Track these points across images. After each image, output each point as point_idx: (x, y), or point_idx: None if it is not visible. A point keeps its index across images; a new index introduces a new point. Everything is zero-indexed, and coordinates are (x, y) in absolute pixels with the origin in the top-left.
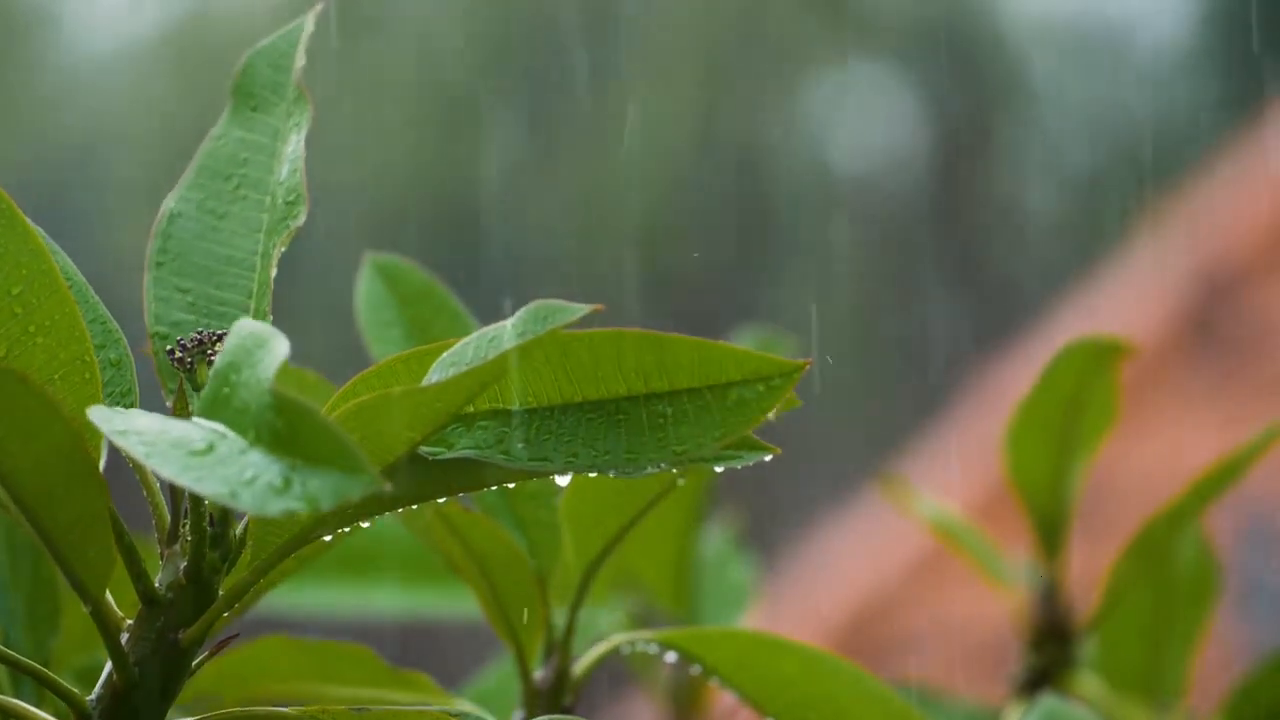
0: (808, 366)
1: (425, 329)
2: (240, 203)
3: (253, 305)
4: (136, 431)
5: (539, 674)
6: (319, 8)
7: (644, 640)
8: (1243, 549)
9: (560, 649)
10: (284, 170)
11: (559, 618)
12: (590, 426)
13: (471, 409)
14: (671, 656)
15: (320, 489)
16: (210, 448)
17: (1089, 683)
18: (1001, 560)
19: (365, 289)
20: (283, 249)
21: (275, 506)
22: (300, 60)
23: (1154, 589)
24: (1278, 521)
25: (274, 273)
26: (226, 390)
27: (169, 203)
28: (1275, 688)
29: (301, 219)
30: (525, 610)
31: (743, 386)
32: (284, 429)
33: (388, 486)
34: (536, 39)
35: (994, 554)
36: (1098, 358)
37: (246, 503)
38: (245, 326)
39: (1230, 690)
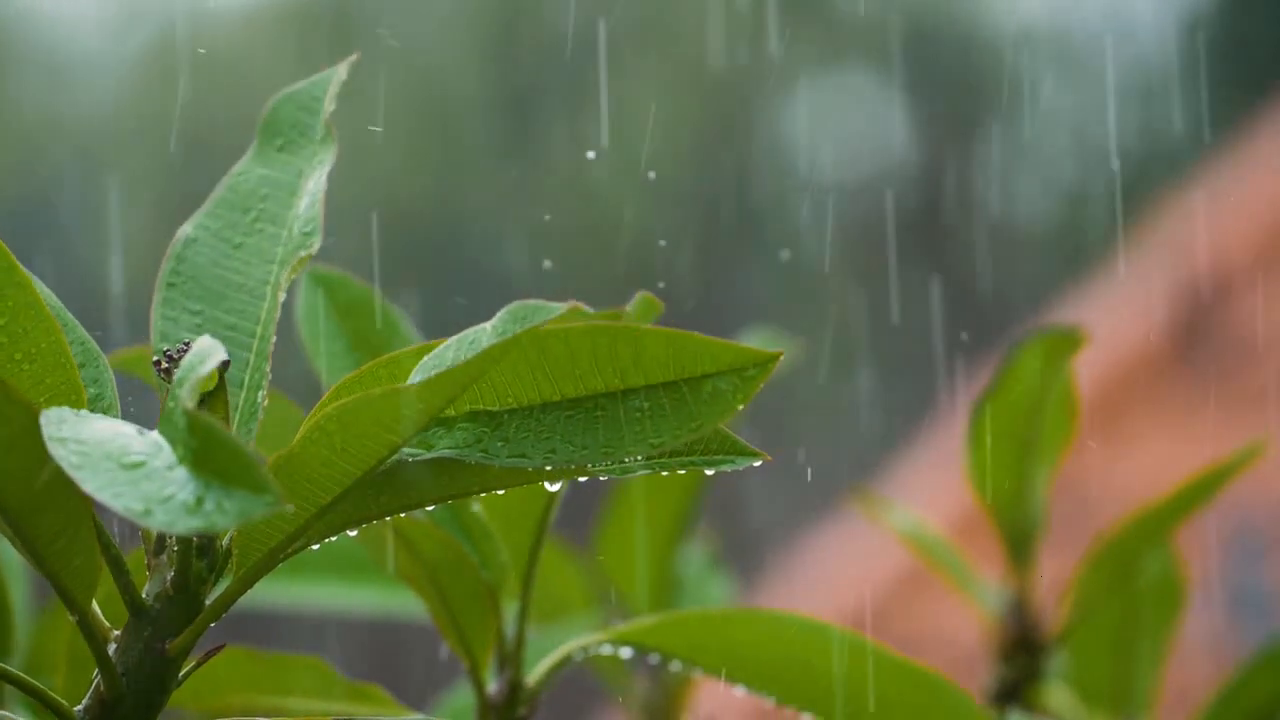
0: (781, 357)
1: (364, 339)
2: (256, 235)
3: (259, 332)
4: (78, 440)
5: (492, 687)
6: (354, 57)
7: (596, 643)
8: (1229, 555)
9: (512, 661)
10: (303, 204)
11: (511, 629)
12: (569, 423)
13: (452, 411)
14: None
15: (229, 508)
16: (143, 462)
17: (1059, 694)
18: (973, 573)
19: (303, 300)
20: (293, 276)
21: (184, 525)
22: (330, 105)
23: (1122, 600)
24: (1264, 527)
25: (283, 298)
26: (172, 404)
27: (185, 229)
28: (1256, 690)
29: (315, 248)
30: (478, 621)
31: (717, 378)
32: (198, 447)
33: (289, 507)
34: (523, 54)
35: (966, 567)
36: (1055, 352)
37: (159, 520)
38: (202, 342)
39: (1212, 694)
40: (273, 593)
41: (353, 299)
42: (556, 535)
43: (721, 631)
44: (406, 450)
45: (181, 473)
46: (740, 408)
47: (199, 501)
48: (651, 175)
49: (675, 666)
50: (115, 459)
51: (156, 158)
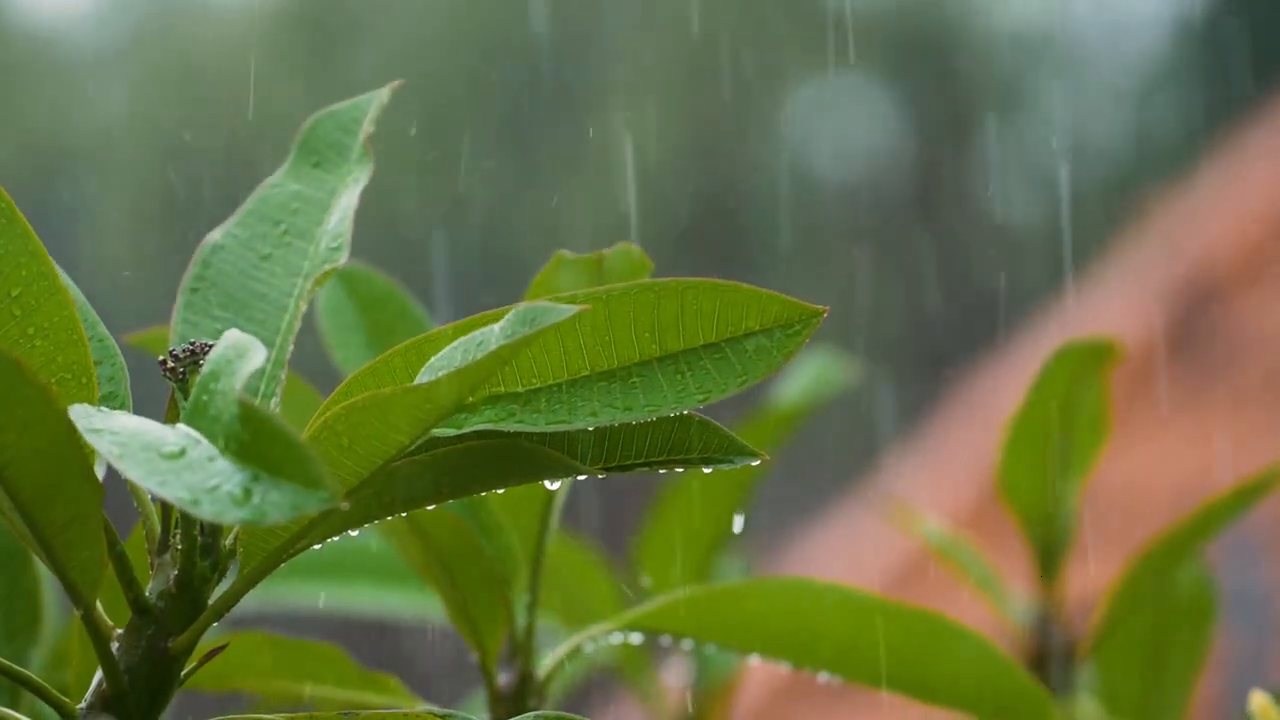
0: (825, 313)
1: (386, 334)
2: (285, 248)
3: (279, 341)
4: (112, 431)
5: (502, 678)
6: (398, 82)
7: (605, 632)
8: (1224, 559)
9: (522, 652)
10: (334, 219)
11: (521, 621)
12: (605, 393)
13: (470, 397)
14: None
15: (278, 502)
16: (182, 452)
17: (1087, 707)
18: (1001, 583)
19: (326, 294)
20: (318, 289)
21: (232, 516)
22: (370, 127)
23: (1153, 613)
24: (1259, 531)
25: (304, 309)
26: (205, 398)
27: (213, 236)
28: None
29: (342, 262)
30: (488, 611)
31: (760, 335)
32: (248, 439)
33: (344, 505)
34: (520, 49)
35: (994, 576)
36: (1087, 362)
37: (206, 510)
38: (231, 336)
39: None
40: (287, 594)
41: (375, 294)
42: (593, 547)
43: (730, 606)
44: (437, 430)
45: (224, 464)
46: (785, 362)
47: (246, 493)
48: (637, 181)
49: (686, 644)
50: (154, 449)
51: (150, 159)
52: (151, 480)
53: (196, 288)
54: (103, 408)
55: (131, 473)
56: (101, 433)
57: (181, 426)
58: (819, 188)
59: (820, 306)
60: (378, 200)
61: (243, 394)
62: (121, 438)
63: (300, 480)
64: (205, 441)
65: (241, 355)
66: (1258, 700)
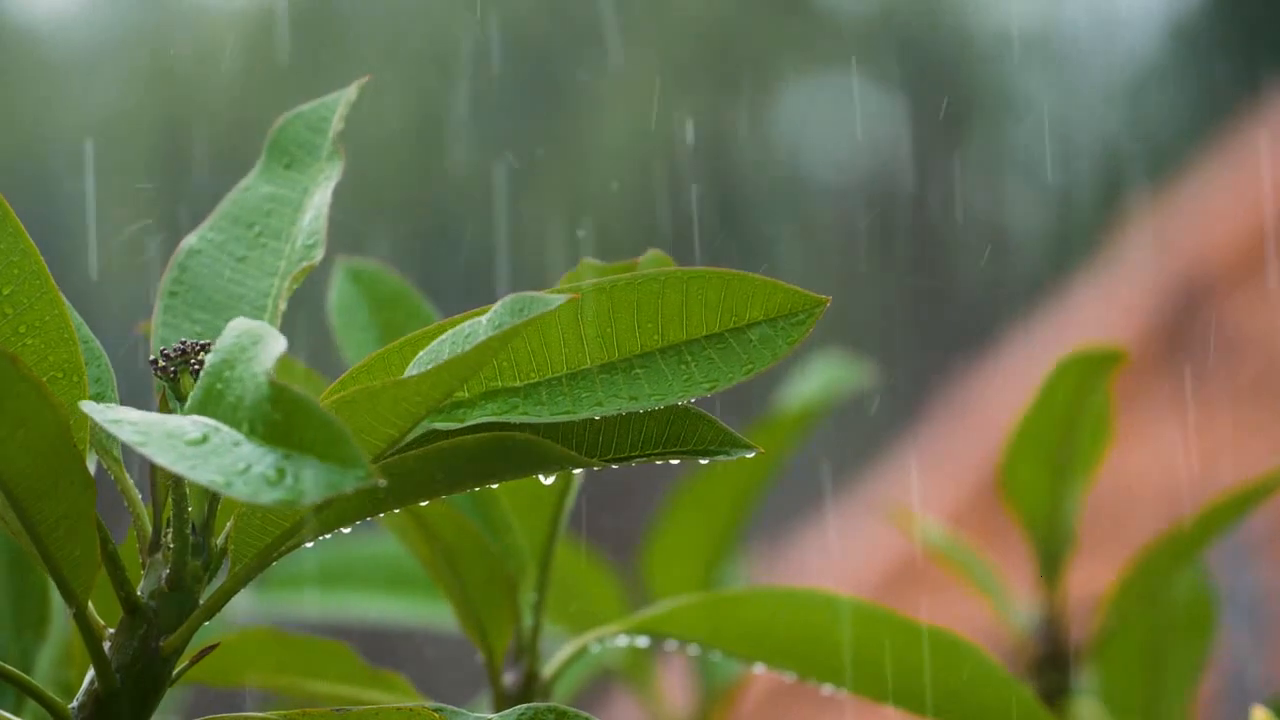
0: (828, 303)
1: (398, 332)
2: (260, 249)
3: None
4: (130, 422)
5: (508, 677)
6: (364, 78)
7: (612, 634)
8: (1219, 559)
9: (529, 651)
10: (307, 218)
11: (528, 621)
12: (608, 384)
13: (466, 393)
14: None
15: (313, 480)
16: (204, 439)
17: (1089, 709)
18: (1002, 585)
19: (338, 292)
20: (295, 286)
21: (268, 496)
22: (339, 125)
23: (1153, 616)
24: (1253, 528)
25: (284, 308)
26: (219, 386)
27: (189, 240)
28: None
29: (317, 260)
30: (495, 611)
31: (764, 325)
32: (280, 420)
33: (381, 481)
34: (512, 47)
35: (994, 578)
36: (1094, 369)
37: (240, 491)
38: (240, 324)
39: None
40: (310, 605)
41: (388, 292)
42: (600, 554)
43: (735, 612)
44: (440, 423)
45: (250, 448)
46: (789, 350)
47: (280, 473)
48: (615, 185)
49: (692, 650)
50: (177, 437)
51: (144, 158)
52: (181, 465)
53: (175, 291)
54: (110, 405)
55: (159, 459)
56: (121, 423)
57: (194, 416)
58: (812, 187)
59: (823, 296)
60: (371, 199)
61: (272, 375)
62: (141, 427)
63: (334, 458)
64: (226, 428)
65: (257, 341)
66: (1260, 717)
